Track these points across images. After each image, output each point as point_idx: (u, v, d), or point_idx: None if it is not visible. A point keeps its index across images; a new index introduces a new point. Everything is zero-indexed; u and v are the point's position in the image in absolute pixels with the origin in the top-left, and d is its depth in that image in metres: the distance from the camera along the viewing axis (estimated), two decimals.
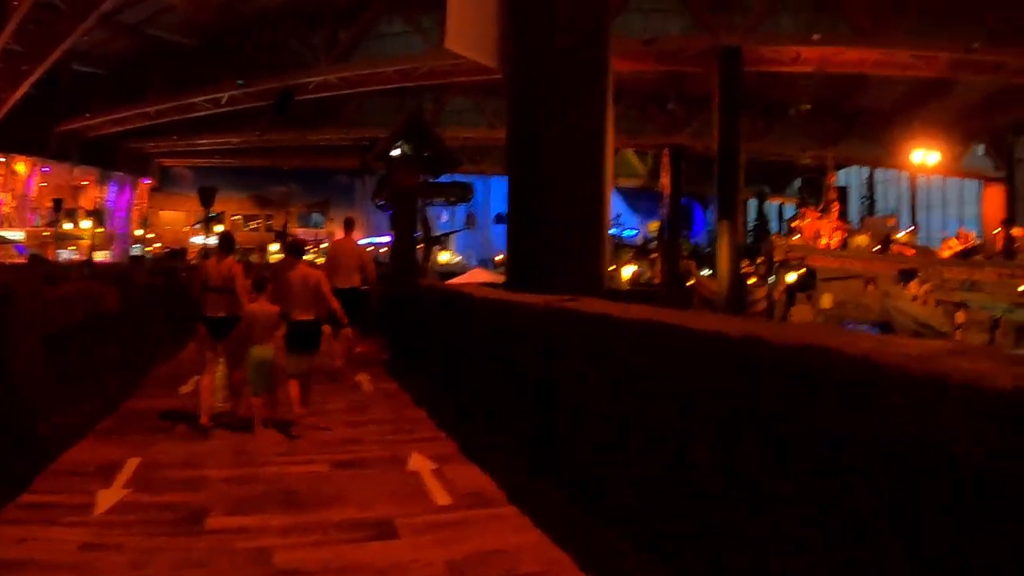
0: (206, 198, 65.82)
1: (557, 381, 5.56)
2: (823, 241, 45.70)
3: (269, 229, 77.55)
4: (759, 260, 47.87)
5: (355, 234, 16.66)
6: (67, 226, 58.31)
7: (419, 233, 38.52)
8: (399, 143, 19.04)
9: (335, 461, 7.81)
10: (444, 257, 39.46)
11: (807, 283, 41.93)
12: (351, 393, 11.89)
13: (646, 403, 4.00)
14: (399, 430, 9.29)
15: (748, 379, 3.23)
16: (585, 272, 10.29)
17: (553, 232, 10.45)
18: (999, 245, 50.73)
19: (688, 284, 48.06)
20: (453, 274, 46.66)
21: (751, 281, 44.20)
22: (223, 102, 48.59)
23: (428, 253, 36.26)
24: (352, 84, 46.52)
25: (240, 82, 45.13)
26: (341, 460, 7.85)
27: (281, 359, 9.67)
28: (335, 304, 10.30)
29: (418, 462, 7.66)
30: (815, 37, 37.15)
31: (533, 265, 10.54)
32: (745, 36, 37.53)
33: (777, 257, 41.52)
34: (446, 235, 49.43)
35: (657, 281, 53.75)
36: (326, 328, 13.20)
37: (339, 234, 14.42)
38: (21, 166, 54.52)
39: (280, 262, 15.48)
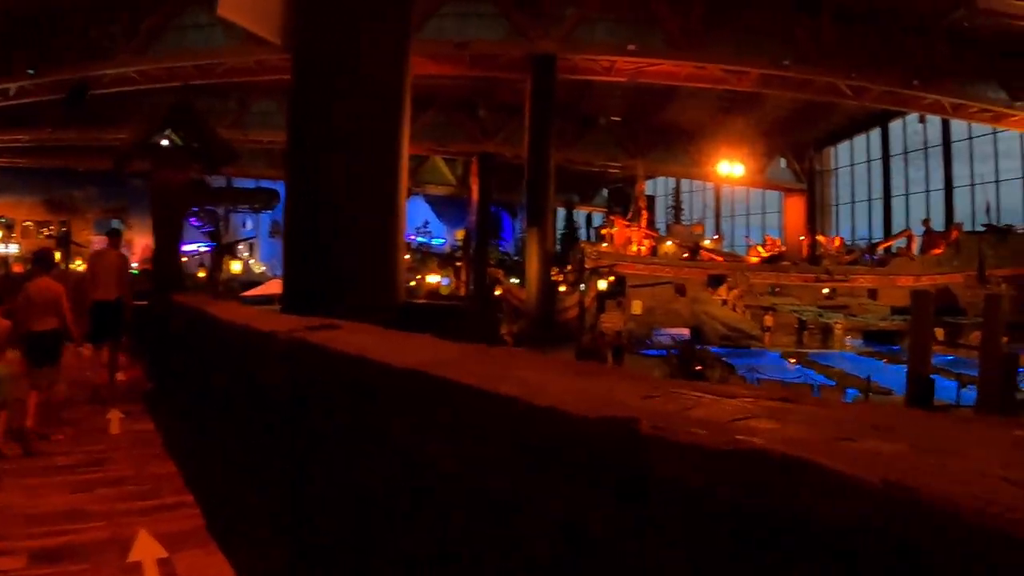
0: None
1: (314, 447, 3.78)
2: (633, 248, 45.80)
3: (60, 236, 72.13)
4: (568, 268, 47.64)
5: (120, 244, 14.77)
6: None
7: (212, 243, 36.39)
8: (166, 132, 16.54)
9: (38, 550, 5.64)
10: (236, 267, 36.67)
11: (617, 290, 41.84)
12: (93, 439, 9.58)
13: (440, 501, 2.32)
14: (137, 494, 7.16)
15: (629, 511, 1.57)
16: (376, 286, 8.61)
17: (338, 242, 8.73)
18: (804, 251, 52.49)
19: (496, 293, 47.30)
20: (254, 284, 44.25)
21: (561, 289, 43.71)
22: (12, 94, 44.05)
23: (219, 263, 33.70)
24: (151, 79, 42.68)
25: (31, 71, 40.93)
26: (46, 548, 5.68)
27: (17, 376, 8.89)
28: (68, 317, 9.81)
29: (144, 547, 5.60)
30: (630, 47, 36.94)
31: (313, 280, 8.79)
32: (560, 44, 36.91)
33: (587, 265, 41.12)
34: (237, 243, 46.58)
35: (462, 292, 52.65)
36: (86, 350, 11.59)
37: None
38: None
39: (26, 272, 13.74)
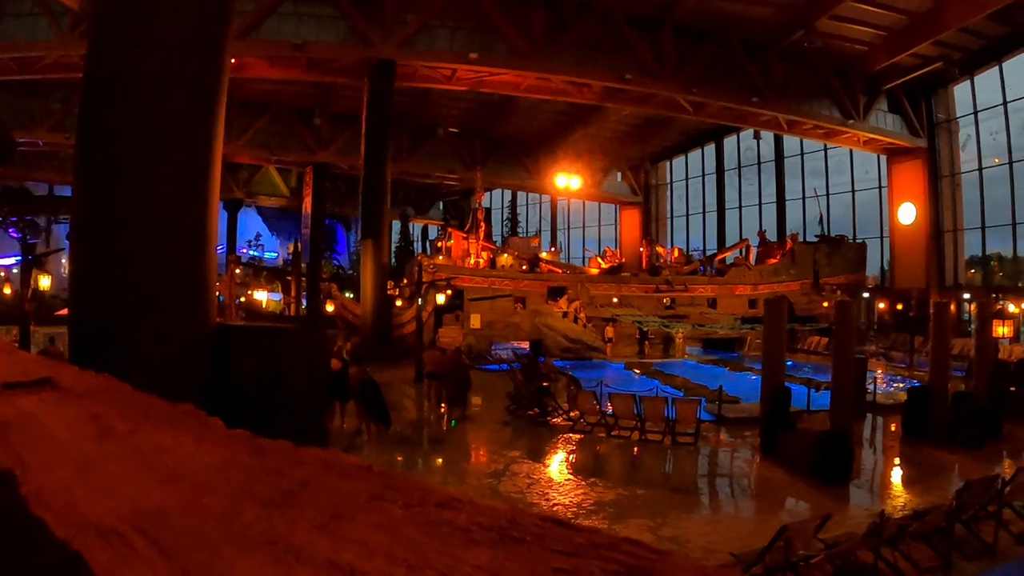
0: None
1: None
2: (471, 261, 45.04)
3: None
4: (405, 282, 46.52)
5: None
6: None
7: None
8: None
9: None
10: (45, 282, 33.21)
11: (455, 304, 40.97)
12: None
13: None
14: None
15: None
16: (181, 307, 7.07)
17: (134, 257, 7.13)
18: (644, 262, 52.92)
19: (329, 309, 45.70)
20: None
21: (398, 304, 42.36)
22: None
23: (28, 278, 30.53)
24: None
25: None
26: None
27: None
28: None
29: None
30: (472, 56, 35.92)
31: (103, 300, 7.15)
32: (400, 50, 35.50)
33: (425, 278, 40.02)
34: (46, 255, 42.47)
35: (293, 308, 50.37)
36: None
37: None
38: None
39: None
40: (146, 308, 6.96)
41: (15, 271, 47.15)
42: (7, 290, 41.97)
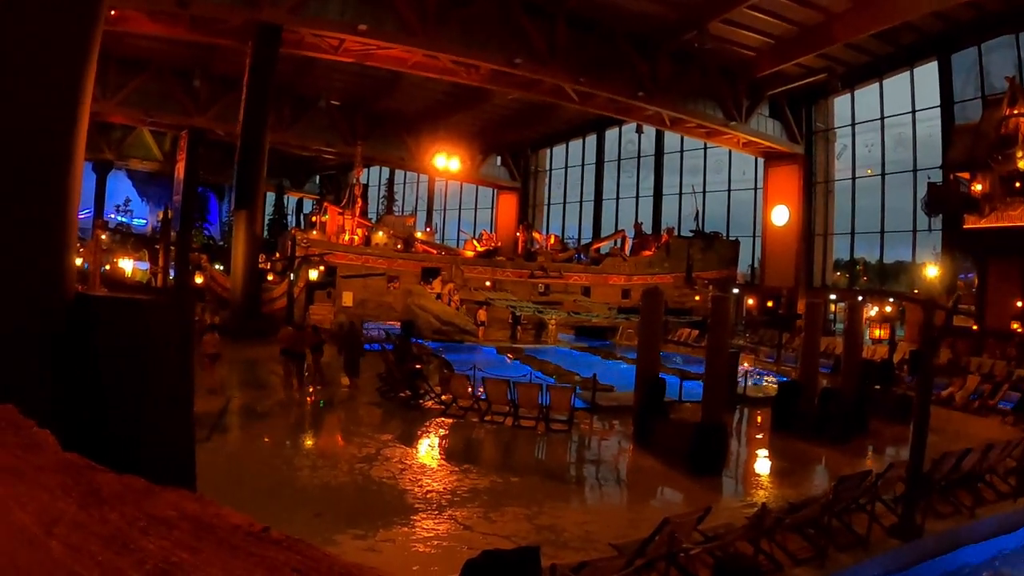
0: None
1: None
2: (346, 237, 44.33)
3: None
4: (277, 256, 45.47)
5: None
6: None
7: None
8: None
9: None
10: None
11: (328, 281, 40.20)
12: None
13: None
14: None
15: None
16: (32, 275, 6.35)
17: None
18: (520, 247, 53.01)
19: (198, 281, 44.27)
20: None
21: (270, 278, 41.29)
22: None
23: None
24: None
25: None
26: None
27: None
28: None
29: None
30: (361, 27, 34.89)
31: None
32: (289, 14, 34.15)
33: (298, 252, 39.06)
34: None
35: (160, 279, 48.47)
36: None
37: None
38: None
39: None
40: None
41: None
42: None
